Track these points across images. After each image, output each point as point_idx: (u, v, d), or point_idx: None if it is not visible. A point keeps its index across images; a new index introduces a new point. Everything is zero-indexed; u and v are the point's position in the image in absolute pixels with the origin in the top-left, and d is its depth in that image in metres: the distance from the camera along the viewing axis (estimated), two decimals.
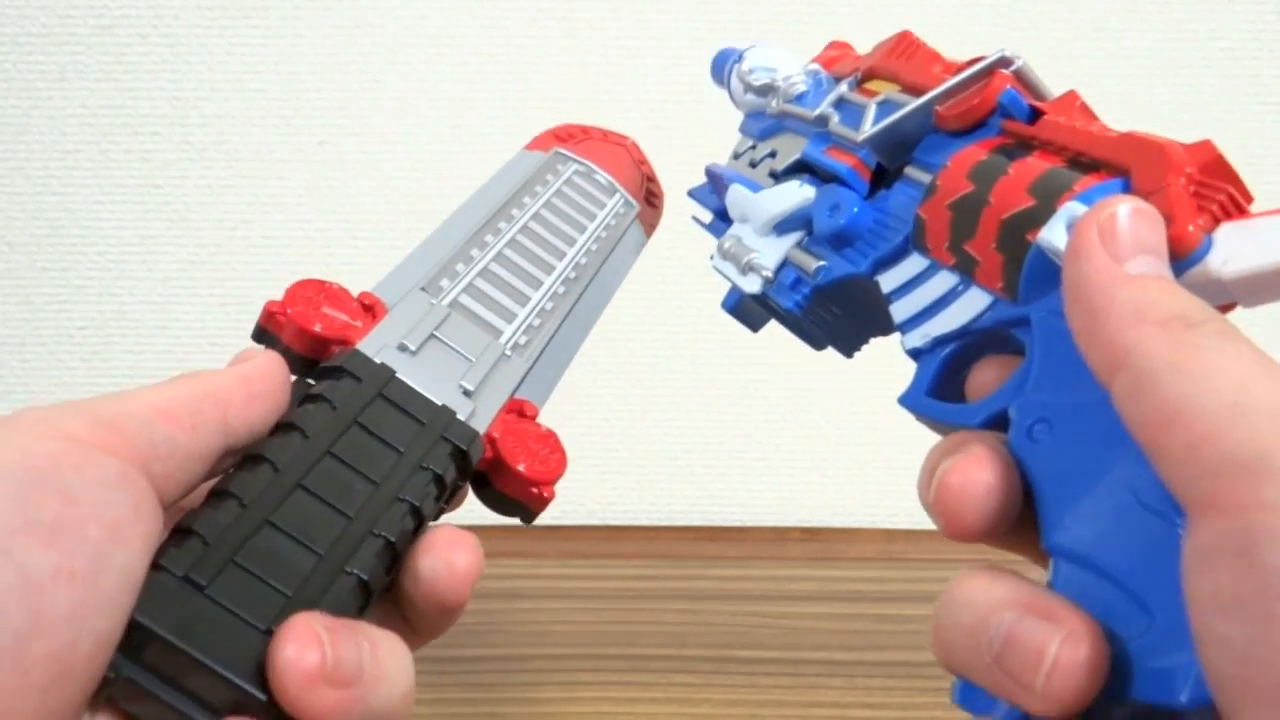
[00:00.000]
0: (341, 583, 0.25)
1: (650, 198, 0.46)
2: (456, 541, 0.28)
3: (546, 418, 0.34)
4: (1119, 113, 0.73)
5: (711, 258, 0.37)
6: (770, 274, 0.34)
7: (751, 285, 0.35)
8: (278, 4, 0.66)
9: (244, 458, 0.27)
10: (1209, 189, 0.23)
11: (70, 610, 0.20)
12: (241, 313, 0.68)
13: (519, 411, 0.33)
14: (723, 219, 0.39)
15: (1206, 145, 0.24)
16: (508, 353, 0.34)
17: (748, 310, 0.37)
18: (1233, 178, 0.24)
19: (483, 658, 0.54)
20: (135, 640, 0.22)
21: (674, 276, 0.63)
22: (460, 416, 0.31)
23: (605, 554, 0.66)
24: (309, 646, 0.22)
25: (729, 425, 0.71)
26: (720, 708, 0.51)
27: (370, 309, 0.33)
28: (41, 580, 0.20)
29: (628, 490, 0.71)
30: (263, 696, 0.22)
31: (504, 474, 0.32)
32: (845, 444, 0.70)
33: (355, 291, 0.33)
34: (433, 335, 0.33)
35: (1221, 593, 0.17)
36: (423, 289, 0.34)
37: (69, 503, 0.21)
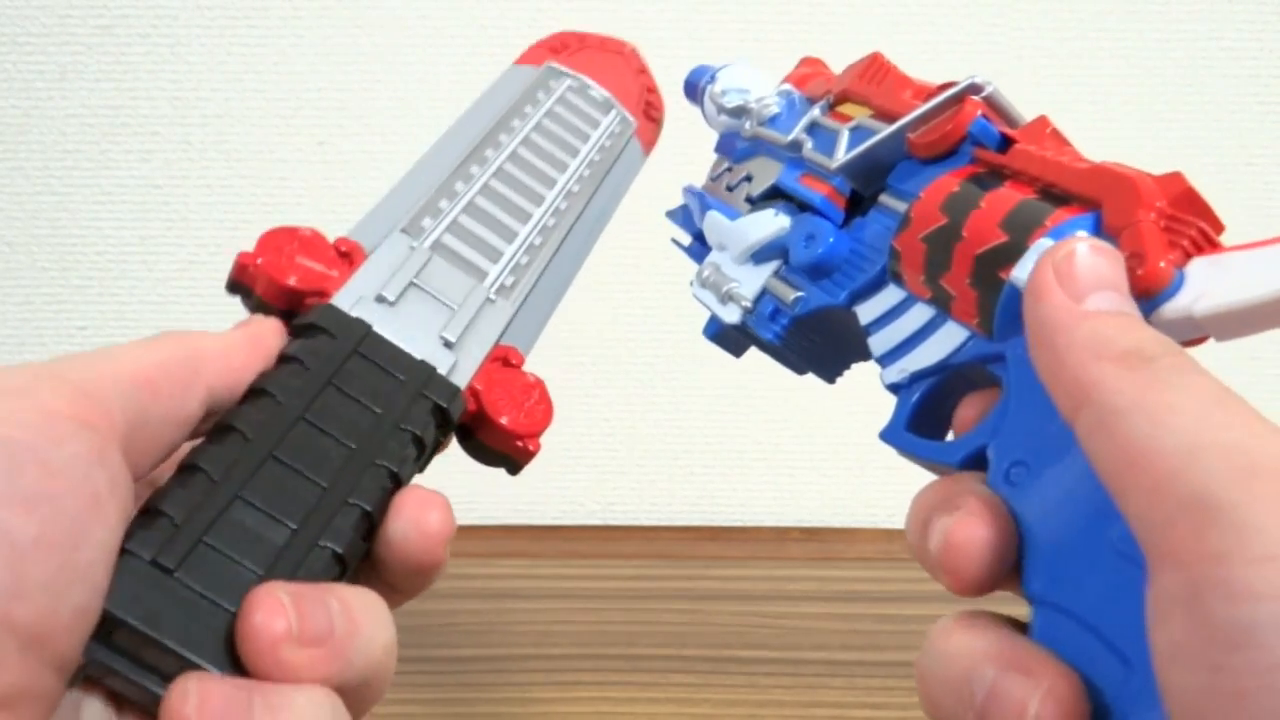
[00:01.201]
0: (315, 557, 0.25)
1: (650, 110, 0.43)
2: (426, 502, 0.27)
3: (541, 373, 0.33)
4: (1121, 112, 0.73)
5: (691, 284, 0.37)
6: (749, 304, 0.34)
7: (731, 315, 0.35)
8: (278, 4, 0.66)
9: (214, 427, 0.26)
10: (1180, 223, 0.23)
11: (49, 579, 0.20)
12: (241, 313, 0.68)
13: (504, 360, 0.32)
14: (701, 242, 0.38)
15: (1177, 177, 0.24)
16: (492, 296, 0.33)
17: (729, 338, 0.37)
18: (1204, 210, 0.23)
19: (482, 658, 0.54)
20: (104, 627, 0.22)
21: (674, 276, 0.63)
22: (440, 371, 0.30)
23: (605, 554, 0.66)
24: (274, 613, 0.22)
25: (729, 425, 0.71)
26: (720, 708, 0.51)
27: (348, 255, 0.31)
28: (24, 547, 0.20)
29: (628, 490, 0.71)
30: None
31: (487, 427, 0.31)
32: (845, 444, 0.70)
33: (333, 237, 0.32)
34: (412, 283, 0.31)
35: (1175, 643, 0.17)
36: (403, 230, 0.33)
37: (49, 475, 0.21)
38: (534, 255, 0.35)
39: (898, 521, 0.70)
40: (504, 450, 0.32)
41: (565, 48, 0.43)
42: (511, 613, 0.58)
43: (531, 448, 0.31)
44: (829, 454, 0.71)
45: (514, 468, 0.32)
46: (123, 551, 0.23)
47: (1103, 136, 0.68)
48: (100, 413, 0.23)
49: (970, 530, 0.23)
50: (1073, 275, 0.22)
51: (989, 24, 0.66)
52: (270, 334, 0.28)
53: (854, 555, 0.66)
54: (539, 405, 0.31)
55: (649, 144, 0.43)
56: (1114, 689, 0.20)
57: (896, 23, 0.66)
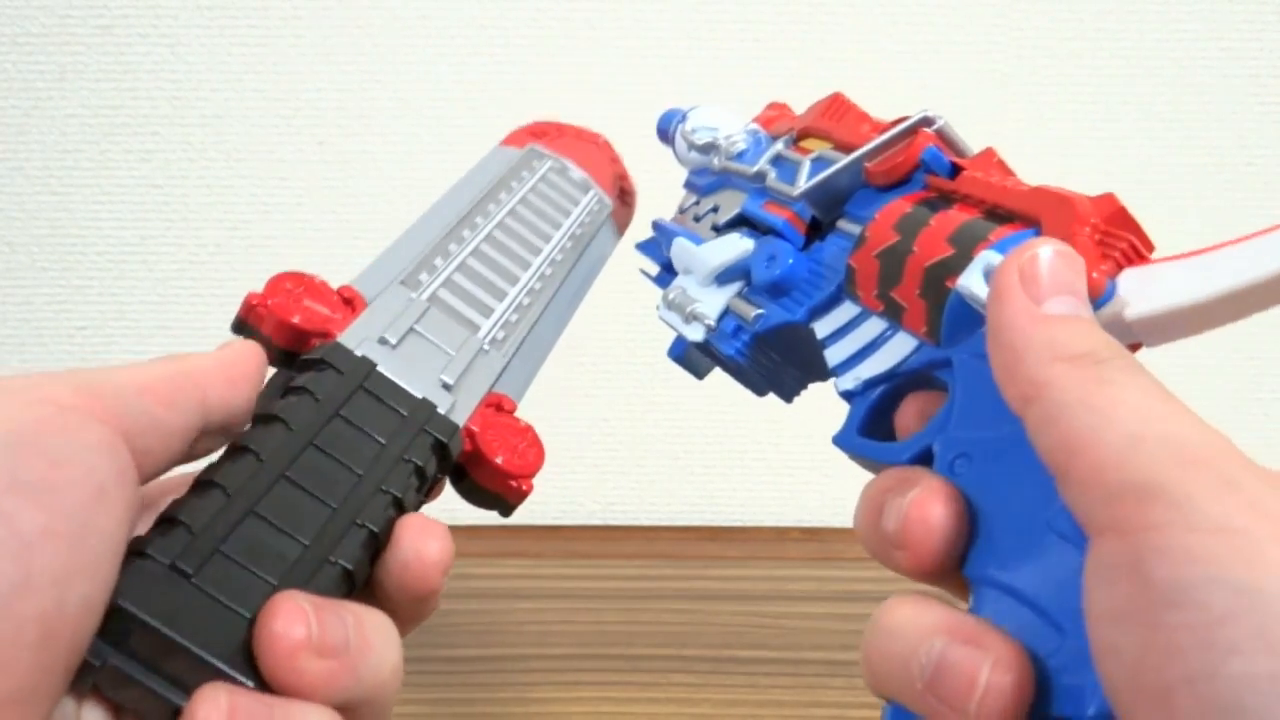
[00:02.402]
0: (326, 572, 0.26)
1: (623, 195, 0.46)
2: (425, 530, 0.28)
3: (536, 414, 0.34)
4: (1121, 112, 0.72)
5: (658, 308, 0.38)
6: (712, 322, 0.35)
7: (695, 334, 0.36)
8: (278, 4, 0.66)
9: (228, 448, 0.27)
10: (1112, 238, 0.25)
11: (57, 571, 0.20)
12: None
13: (497, 406, 0.34)
14: (669, 271, 0.40)
15: (1109, 198, 0.25)
16: (485, 347, 0.35)
17: (692, 359, 0.39)
18: (1134, 228, 0.25)
19: (483, 658, 0.54)
20: (122, 627, 0.22)
21: None
22: (440, 410, 0.31)
23: (605, 554, 0.66)
24: (296, 620, 0.23)
25: (729, 425, 0.71)
26: (720, 708, 0.51)
27: (350, 302, 0.33)
28: (30, 539, 0.20)
29: (628, 490, 0.71)
30: (251, 683, 0.23)
31: (482, 467, 0.32)
32: None
33: (336, 285, 0.33)
34: (412, 329, 0.33)
35: (1115, 606, 0.19)
36: (402, 283, 0.35)
37: (55, 466, 0.21)
38: (522, 314, 0.37)
39: None
40: (497, 490, 0.33)
41: (545, 134, 0.46)
42: (512, 613, 0.58)
43: (525, 488, 0.33)
44: (829, 454, 0.71)
45: (506, 509, 0.34)
46: (142, 555, 0.23)
47: (1103, 136, 0.68)
48: (104, 407, 0.23)
49: (929, 506, 0.25)
50: (1035, 277, 0.23)
51: (989, 24, 0.66)
52: (254, 354, 0.29)
53: (854, 555, 0.66)
54: (531, 448, 0.33)
55: (623, 225, 0.46)
56: (1050, 655, 0.22)
57: (896, 22, 0.66)
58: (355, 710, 0.24)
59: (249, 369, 0.28)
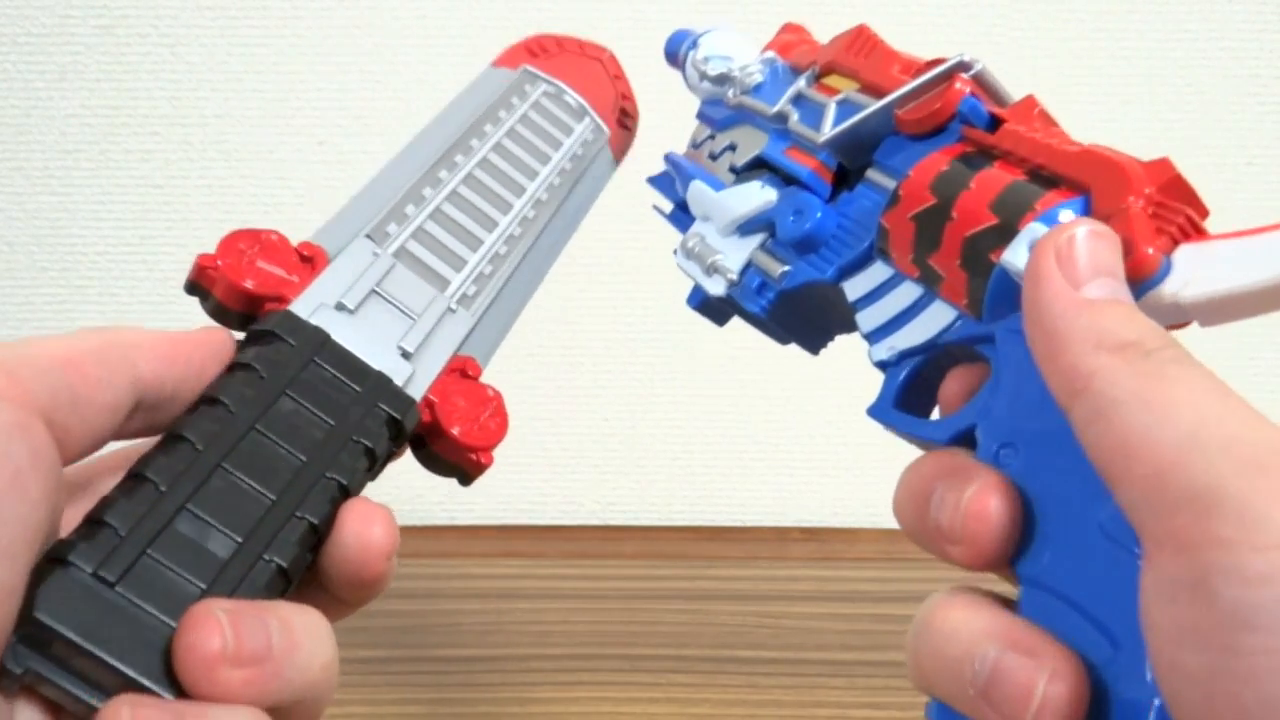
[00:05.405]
0: (260, 570, 0.24)
1: (624, 118, 0.43)
2: (369, 516, 0.27)
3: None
4: (1120, 112, 0.72)
5: (675, 254, 0.37)
6: (735, 277, 0.34)
7: (716, 287, 0.34)
8: (278, 4, 0.66)
9: (164, 436, 0.26)
10: (1167, 209, 0.23)
11: None
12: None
13: (461, 371, 0.32)
14: (683, 209, 0.38)
15: (1165, 164, 0.24)
16: (453, 306, 0.33)
17: (713, 308, 0.37)
18: (1190, 197, 0.23)
19: (483, 658, 0.54)
20: (42, 638, 0.22)
21: (675, 275, 0.63)
22: (397, 382, 0.30)
23: (605, 554, 0.66)
24: (210, 632, 0.22)
25: (729, 425, 0.71)
26: (720, 708, 0.51)
27: (310, 260, 0.31)
28: None
29: (628, 490, 0.71)
30: (172, 696, 0.22)
31: (440, 438, 0.31)
32: (845, 444, 0.70)
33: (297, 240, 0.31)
34: (374, 291, 0.31)
35: (1181, 625, 0.18)
36: (368, 235, 0.32)
37: None
38: (498, 265, 0.35)
39: None
40: (456, 461, 0.31)
41: (544, 51, 0.42)
42: (512, 613, 0.58)
43: (484, 460, 0.31)
44: (829, 454, 0.71)
45: (465, 479, 0.32)
46: (65, 563, 0.22)
47: (1103, 136, 0.68)
48: (16, 385, 0.22)
49: (988, 501, 0.23)
50: (1072, 260, 0.22)
51: (989, 24, 0.66)
52: (215, 338, 0.28)
53: (854, 555, 0.66)
54: (494, 418, 0.31)
55: (620, 152, 0.43)
56: (1102, 665, 0.21)
57: (899, 22, 0.66)
58: (286, 710, 0.23)
59: (201, 347, 0.27)
